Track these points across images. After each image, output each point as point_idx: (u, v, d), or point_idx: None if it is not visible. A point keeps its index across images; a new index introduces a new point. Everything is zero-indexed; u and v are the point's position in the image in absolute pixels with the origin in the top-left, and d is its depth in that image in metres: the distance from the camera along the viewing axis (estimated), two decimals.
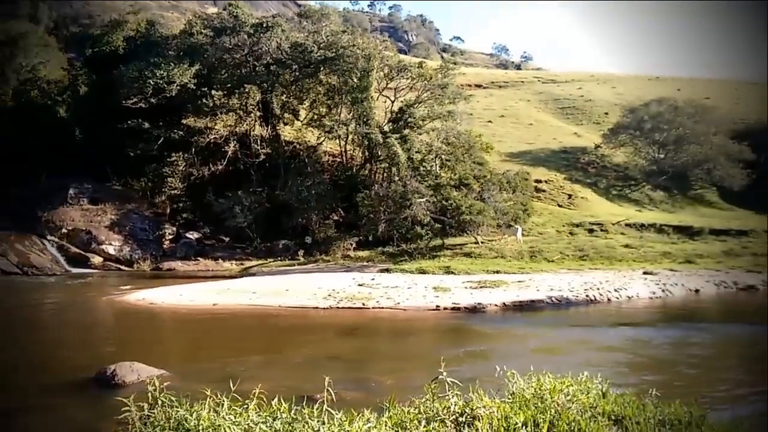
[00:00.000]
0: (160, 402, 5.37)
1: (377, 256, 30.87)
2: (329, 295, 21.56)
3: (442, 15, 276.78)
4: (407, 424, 5.21)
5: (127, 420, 5.31)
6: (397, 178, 33.91)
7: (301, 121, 40.63)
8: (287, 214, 34.37)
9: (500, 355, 14.45)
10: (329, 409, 5.24)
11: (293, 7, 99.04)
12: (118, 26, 40.75)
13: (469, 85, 62.11)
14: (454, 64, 44.87)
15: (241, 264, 32.27)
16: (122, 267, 32.44)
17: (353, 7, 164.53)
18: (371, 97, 36.51)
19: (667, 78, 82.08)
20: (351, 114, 37.08)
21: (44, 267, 30.72)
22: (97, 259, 32.57)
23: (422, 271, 26.51)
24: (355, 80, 36.09)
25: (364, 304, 20.38)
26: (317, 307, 20.26)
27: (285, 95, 39.63)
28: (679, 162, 49.10)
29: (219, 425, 4.97)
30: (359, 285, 23.63)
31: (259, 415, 5.22)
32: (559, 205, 40.81)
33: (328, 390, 5.54)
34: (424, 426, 5.16)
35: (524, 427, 5.12)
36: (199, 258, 33.21)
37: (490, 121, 57.80)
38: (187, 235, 35.32)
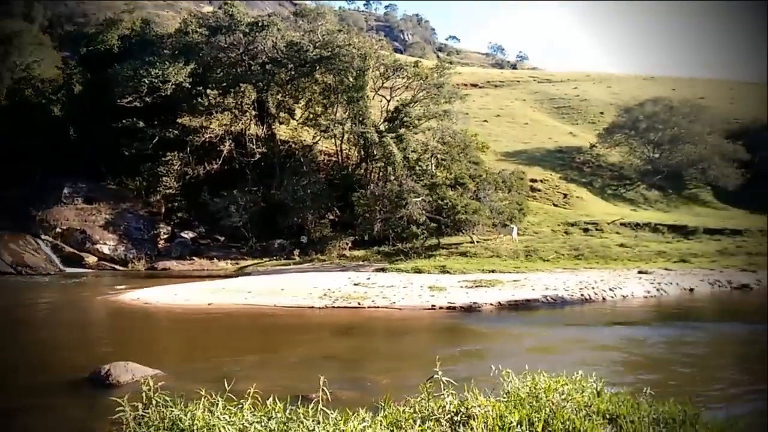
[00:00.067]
0: (154, 402, 5.35)
1: (373, 256, 30.86)
2: (325, 295, 21.54)
3: (438, 14, 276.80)
4: (402, 424, 5.20)
5: (121, 420, 5.28)
6: (392, 178, 33.90)
7: (297, 121, 40.58)
8: (283, 213, 34.32)
9: (495, 355, 14.47)
10: (324, 408, 5.24)
11: (289, 6, 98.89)
12: (113, 25, 40.55)
13: (465, 85, 62.15)
14: (450, 63, 44.88)
15: (237, 263, 32.21)
16: (117, 267, 32.33)
17: (349, 6, 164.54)
18: (367, 97, 36.50)
19: (662, 78, 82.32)
20: (347, 113, 37.05)
21: (38, 266, 30.60)
22: (91, 259, 32.45)
23: (418, 271, 26.52)
24: (351, 79, 36.07)
25: (359, 304, 20.37)
26: (313, 307, 20.23)
27: (280, 94, 39.57)
28: (674, 161, 49.28)
29: (214, 425, 4.95)
30: (355, 284, 23.61)
31: (254, 415, 5.20)
32: (555, 205, 40.90)
33: (323, 389, 5.53)
34: (420, 425, 5.15)
35: (519, 425, 5.12)
36: (194, 257, 33.14)
37: (485, 121, 57.85)
38: (182, 234, 35.22)
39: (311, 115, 39.27)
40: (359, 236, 32.71)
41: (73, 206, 34.64)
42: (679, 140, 49.85)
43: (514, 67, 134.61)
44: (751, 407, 10.09)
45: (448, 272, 26.14)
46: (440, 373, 5.72)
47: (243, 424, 5.01)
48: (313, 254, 31.84)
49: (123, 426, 5.23)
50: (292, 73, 38.02)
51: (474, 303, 20.33)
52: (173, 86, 34.73)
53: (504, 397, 5.80)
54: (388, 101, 38.87)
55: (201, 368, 12.66)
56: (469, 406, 5.33)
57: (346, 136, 37.91)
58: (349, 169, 38.96)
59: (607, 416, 5.54)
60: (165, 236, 35.10)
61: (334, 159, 40.25)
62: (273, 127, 40.18)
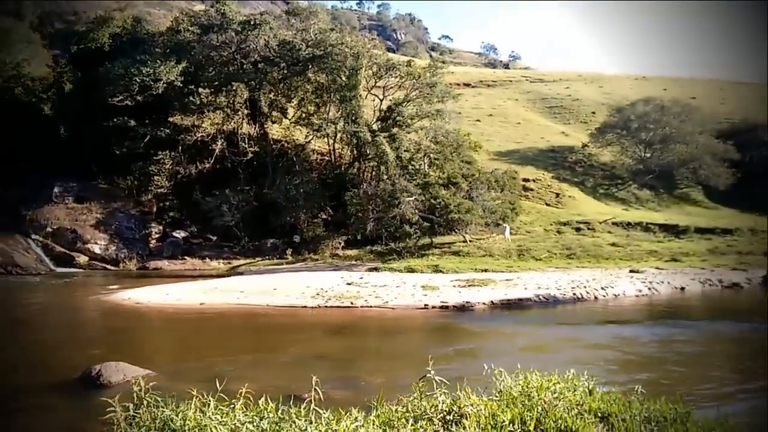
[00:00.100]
0: (145, 402, 5.31)
1: (366, 255, 30.85)
2: (317, 294, 21.52)
3: (431, 14, 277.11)
4: (395, 423, 5.19)
5: (112, 420, 5.24)
6: (385, 177, 33.90)
7: (290, 120, 40.48)
8: (275, 212, 34.24)
9: (488, 354, 14.50)
10: (317, 408, 5.22)
11: (281, 4, 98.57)
12: (103, 23, 40.23)
13: (458, 84, 62.16)
14: (443, 62, 44.95)
15: (229, 263, 32.12)
16: (108, 266, 32.14)
17: (342, 5, 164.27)
18: (360, 96, 36.46)
19: (653, 78, 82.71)
20: (339, 112, 37.02)
21: (29, 266, 30.36)
22: (82, 259, 32.24)
23: (411, 270, 26.54)
24: (344, 78, 36.03)
25: (352, 303, 20.37)
26: (305, 306, 20.21)
27: (273, 93, 39.45)
28: (665, 161, 49.54)
29: (205, 425, 4.92)
30: (348, 284, 23.61)
31: (246, 415, 5.18)
32: (547, 204, 41.02)
33: (315, 389, 5.51)
34: (412, 424, 5.15)
35: (511, 424, 5.13)
36: (186, 257, 33.01)
37: (478, 120, 57.94)
38: (174, 234, 35.06)
39: (304, 114, 39.18)
40: (352, 235, 32.69)
41: (63, 206, 34.41)
42: (670, 140, 50.13)
43: (506, 66, 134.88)
44: (742, 406, 10.16)
45: (440, 271, 26.18)
46: (433, 372, 5.71)
47: (235, 424, 4.99)
48: (306, 254, 31.79)
49: (114, 426, 5.19)
50: (285, 72, 37.92)
51: (467, 302, 20.37)
52: (165, 85, 34.54)
53: (496, 396, 5.80)
54: (381, 100, 38.84)
55: (193, 368, 12.61)
56: (462, 405, 5.33)
57: (338, 135, 37.86)
58: (342, 169, 38.91)
59: (599, 415, 5.55)
60: (156, 236, 34.95)
61: (326, 158, 40.18)
62: (265, 126, 40.07)
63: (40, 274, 29.93)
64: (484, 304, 20.42)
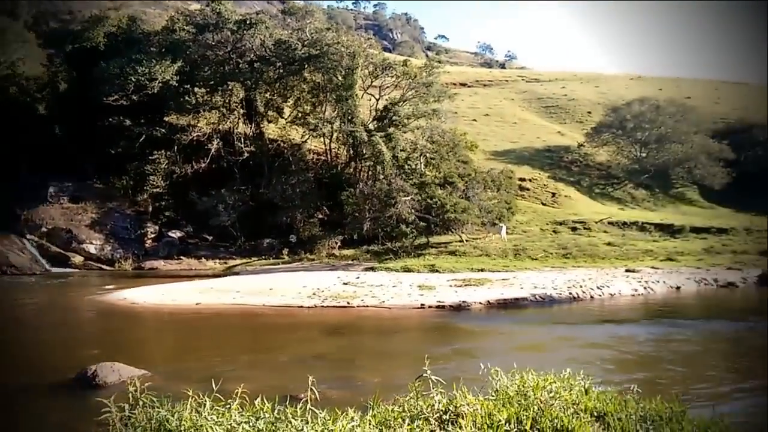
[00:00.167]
0: (141, 402, 5.29)
1: (362, 255, 30.84)
2: (314, 294, 21.49)
3: (427, 14, 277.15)
4: (391, 423, 5.19)
5: (107, 421, 5.21)
6: (382, 177, 33.90)
7: (286, 119, 40.42)
8: (271, 212, 34.19)
9: (484, 353, 14.49)
10: (313, 408, 5.21)
11: (277, 4, 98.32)
12: (99, 22, 40.09)
13: (454, 84, 62.21)
14: (439, 62, 44.90)
15: (225, 263, 32.07)
16: (103, 266, 32.05)
17: (338, 4, 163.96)
18: (356, 95, 36.46)
19: (649, 77, 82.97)
20: (336, 112, 36.99)
21: (24, 266, 30.26)
22: (77, 259, 32.14)
23: (407, 270, 26.52)
24: (340, 78, 36.00)
25: (348, 303, 20.34)
26: (302, 306, 20.17)
27: (269, 93, 39.42)
28: (660, 161, 49.70)
29: (201, 425, 4.91)
30: (344, 284, 23.58)
31: (242, 415, 5.16)
32: (543, 204, 41.11)
33: (311, 389, 5.49)
34: (408, 424, 5.14)
35: (507, 424, 5.13)
36: (181, 257, 32.94)
37: (474, 120, 58.01)
38: (170, 233, 34.99)
39: (300, 114, 39.16)
40: (348, 235, 32.67)
41: (58, 205, 34.31)
42: (665, 140, 50.30)
43: (502, 66, 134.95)
44: (738, 405, 10.19)
45: (437, 271, 26.18)
46: (429, 372, 5.71)
47: (231, 424, 4.97)
48: (302, 253, 31.76)
49: (109, 427, 5.16)
50: (281, 71, 37.90)
51: (463, 302, 20.37)
52: (160, 84, 34.45)
53: (493, 396, 5.81)
54: (377, 100, 38.84)
55: (189, 368, 12.57)
56: (458, 405, 5.33)
57: (335, 134, 37.86)
58: (338, 168, 38.90)
59: (595, 414, 5.56)
60: (152, 235, 34.86)
61: (323, 158, 40.16)
62: (261, 125, 40.03)
63: (35, 275, 29.82)
64: (480, 303, 20.43)
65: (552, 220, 36.97)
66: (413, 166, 36.14)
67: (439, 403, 5.42)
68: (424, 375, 5.73)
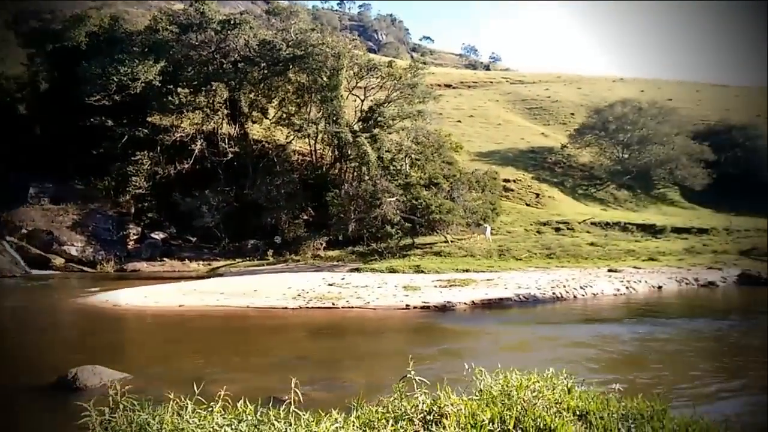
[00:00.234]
0: (121, 406, 5.22)
1: (347, 256, 30.80)
2: (299, 295, 21.42)
3: (412, 15, 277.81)
4: (375, 424, 5.17)
5: (87, 425, 5.14)
6: (367, 178, 33.87)
7: (270, 120, 40.27)
8: (256, 213, 34.01)
9: (469, 353, 14.53)
10: (296, 410, 5.18)
11: (261, 4, 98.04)
12: (80, 21, 39.56)
13: (439, 85, 62.46)
14: (424, 63, 45.12)
15: (209, 264, 31.82)
16: (85, 268, 31.63)
17: (322, 5, 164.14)
18: (341, 96, 36.41)
19: (630, 79, 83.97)
20: (320, 113, 36.93)
21: (3, 269, 29.68)
22: (58, 261, 31.68)
23: (392, 270, 26.54)
24: (325, 79, 35.93)
25: (333, 304, 20.30)
26: (286, 308, 20.09)
27: (253, 93, 39.22)
28: (642, 162, 50.30)
29: (183, 429, 4.86)
30: (329, 285, 23.53)
31: (224, 418, 5.11)
32: (527, 204, 41.38)
33: (295, 391, 5.46)
34: (392, 425, 5.13)
35: (491, 423, 5.14)
36: (164, 258, 32.63)
37: (459, 121, 58.27)
38: (153, 235, 34.63)
39: (284, 115, 39.02)
40: (333, 236, 32.60)
41: (39, 207, 33.81)
42: (647, 141, 50.93)
43: (487, 68, 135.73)
44: (721, 403, 10.32)
45: (422, 272, 26.23)
46: (413, 372, 5.71)
47: (213, 427, 4.92)
48: (287, 255, 31.64)
49: (89, 431, 5.09)
50: (265, 71, 37.71)
51: (448, 302, 20.43)
52: (143, 84, 34.10)
53: (477, 396, 5.81)
54: (362, 101, 38.84)
55: (171, 371, 12.46)
56: (442, 405, 5.33)
57: (320, 135, 37.78)
58: (323, 169, 38.82)
59: (578, 413, 5.59)
60: (135, 237, 34.47)
61: (308, 159, 40.05)
62: (246, 126, 39.81)
63: (15, 277, 29.32)
64: (465, 304, 20.49)
65: (536, 220, 37.23)
66: (398, 167, 36.17)
67: (423, 403, 5.42)
68: (409, 375, 5.72)
